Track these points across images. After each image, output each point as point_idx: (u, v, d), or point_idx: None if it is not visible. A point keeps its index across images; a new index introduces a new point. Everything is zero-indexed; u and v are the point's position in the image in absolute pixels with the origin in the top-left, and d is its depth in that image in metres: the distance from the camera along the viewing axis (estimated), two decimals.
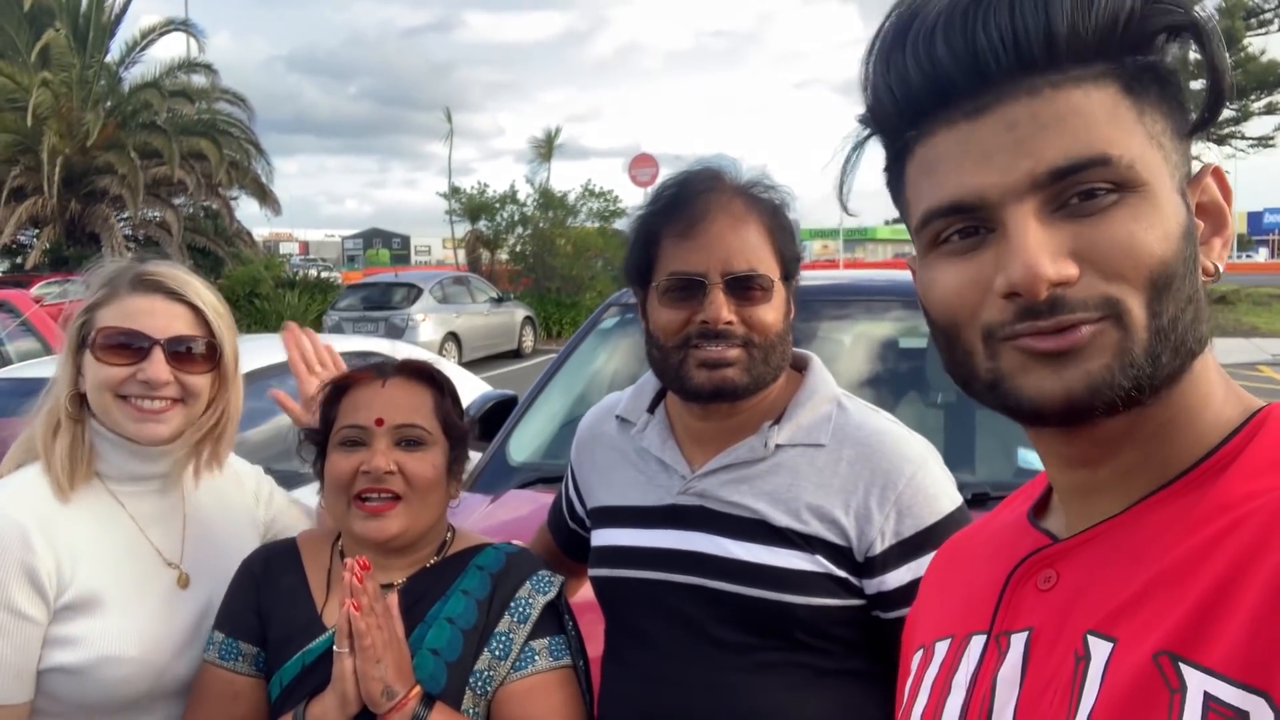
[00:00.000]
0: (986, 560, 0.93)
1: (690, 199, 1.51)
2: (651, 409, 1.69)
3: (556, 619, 1.65)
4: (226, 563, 1.80)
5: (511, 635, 1.59)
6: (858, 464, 1.49)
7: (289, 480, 4.49)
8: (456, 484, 1.72)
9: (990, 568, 0.90)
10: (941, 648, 0.92)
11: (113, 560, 1.64)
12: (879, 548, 1.45)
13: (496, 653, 1.57)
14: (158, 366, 1.63)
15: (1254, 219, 54.65)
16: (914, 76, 0.79)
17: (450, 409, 1.70)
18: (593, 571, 1.69)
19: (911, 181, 0.84)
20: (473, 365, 16.17)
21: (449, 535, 1.74)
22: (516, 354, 19.97)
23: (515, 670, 1.57)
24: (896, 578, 1.45)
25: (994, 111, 0.76)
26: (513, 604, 1.61)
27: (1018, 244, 0.74)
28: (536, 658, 1.59)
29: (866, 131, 0.89)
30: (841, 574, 1.46)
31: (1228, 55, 0.78)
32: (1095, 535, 0.81)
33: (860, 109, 0.87)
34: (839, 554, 1.47)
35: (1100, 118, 0.74)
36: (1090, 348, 0.74)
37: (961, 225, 0.79)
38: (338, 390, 1.70)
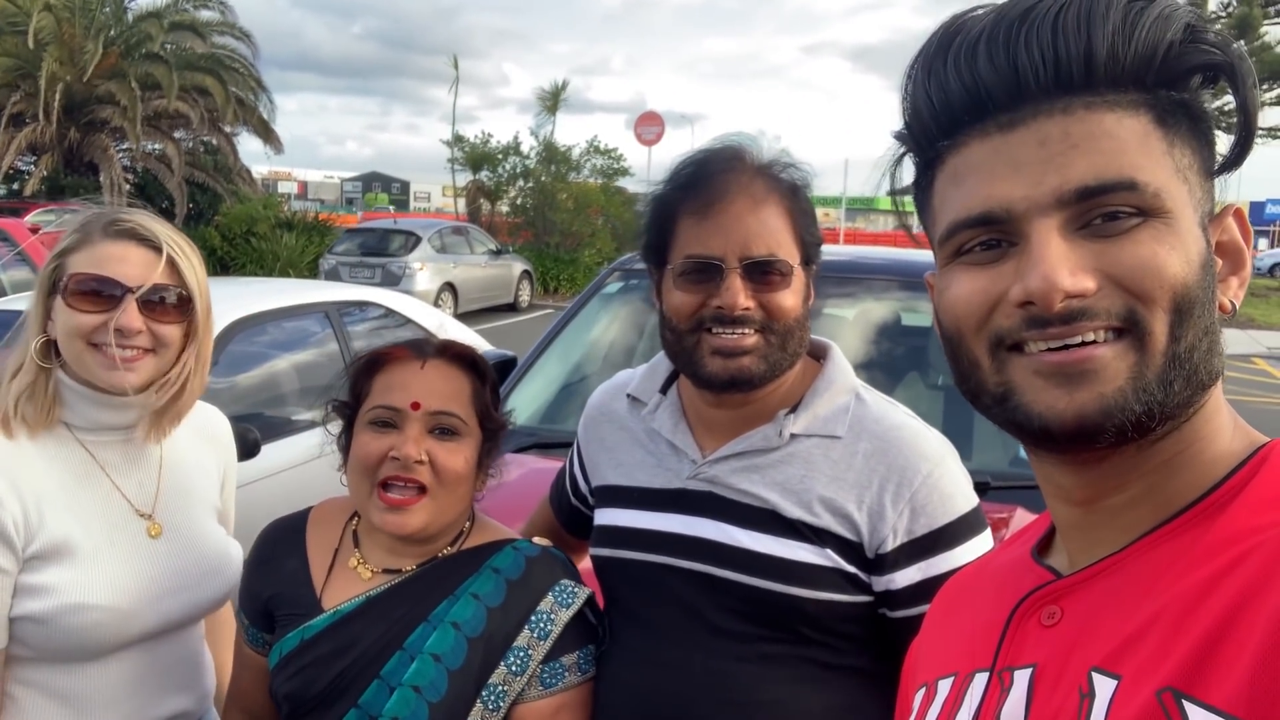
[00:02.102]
0: (990, 597, 0.93)
1: (709, 178, 1.46)
2: (664, 390, 1.66)
3: (581, 631, 1.60)
4: (201, 515, 1.81)
5: (530, 651, 1.54)
6: (874, 458, 1.47)
7: (279, 428, 4.52)
8: (484, 477, 1.66)
9: (993, 604, 0.91)
10: (944, 686, 0.92)
11: (81, 508, 1.63)
12: (890, 545, 1.43)
13: (513, 668, 1.53)
14: (130, 315, 1.60)
15: (1256, 209, 54.65)
16: (953, 86, 0.81)
17: (489, 399, 1.64)
18: (594, 551, 1.67)
19: (939, 192, 0.86)
20: (468, 317, 16.15)
21: (468, 525, 1.67)
22: (512, 307, 19.95)
23: (545, 687, 1.54)
24: (905, 577, 1.43)
25: (1027, 126, 0.78)
26: (533, 618, 1.55)
27: (1038, 255, 0.75)
28: (566, 674, 1.56)
29: (901, 149, 0.90)
30: (851, 569, 1.44)
31: (1258, 92, 0.79)
32: (1099, 571, 0.81)
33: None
34: (849, 549, 1.44)
35: (1131, 144, 0.76)
36: (1106, 370, 0.75)
37: (985, 237, 0.80)
38: (371, 364, 1.63)
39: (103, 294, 1.60)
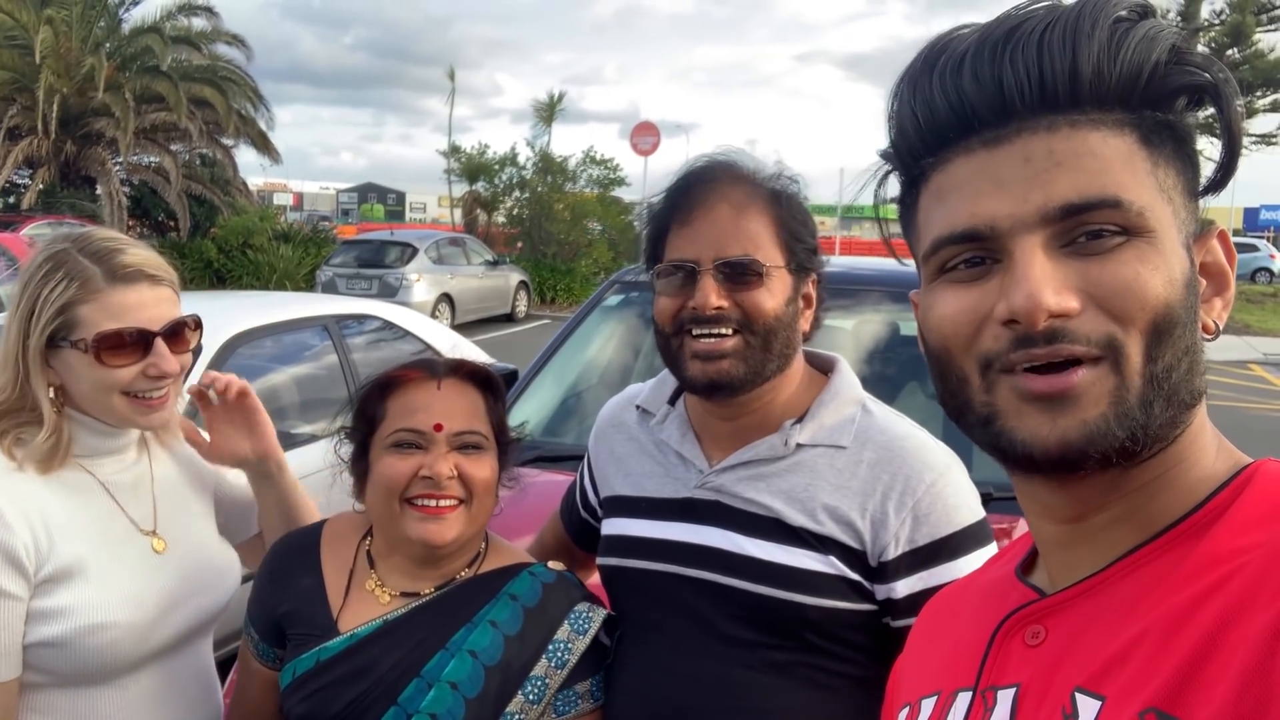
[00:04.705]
0: (974, 615, 0.93)
1: (692, 189, 1.51)
2: (672, 401, 1.68)
3: (596, 658, 1.60)
4: (198, 524, 1.82)
5: (548, 680, 1.54)
6: (878, 467, 1.48)
7: (279, 442, 4.49)
8: (500, 490, 1.66)
9: (977, 623, 0.90)
10: (928, 705, 0.92)
11: (89, 529, 1.63)
12: (892, 553, 1.44)
13: (530, 697, 1.53)
14: (167, 359, 1.63)
15: (1250, 215, 54.68)
16: (939, 103, 0.81)
17: (502, 413, 1.66)
18: (602, 560, 1.68)
19: (924, 209, 0.86)
20: (465, 328, 16.16)
21: (483, 546, 1.68)
22: (509, 318, 19.97)
23: (558, 715, 1.55)
24: (906, 586, 1.43)
25: (1012, 143, 0.78)
26: (550, 647, 1.56)
27: (1023, 273, 0.75)
28: (580, 702, 1.57)
29: (887, 167, 0.90)
30: (854, 577, 1.45)
31: (1241, 106, 0.79)
32: (1083, 590, 0.81)
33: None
34: (852, 556, 1.45)
35: (1115, 162, 0.76)
36: (1087, 395, 0.74)
37: (969, 254, 0.80)
38: (384, 386, 1.62)
39: (132, 344, 1.61)
